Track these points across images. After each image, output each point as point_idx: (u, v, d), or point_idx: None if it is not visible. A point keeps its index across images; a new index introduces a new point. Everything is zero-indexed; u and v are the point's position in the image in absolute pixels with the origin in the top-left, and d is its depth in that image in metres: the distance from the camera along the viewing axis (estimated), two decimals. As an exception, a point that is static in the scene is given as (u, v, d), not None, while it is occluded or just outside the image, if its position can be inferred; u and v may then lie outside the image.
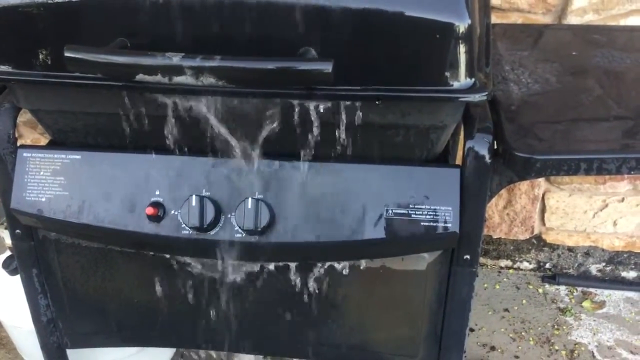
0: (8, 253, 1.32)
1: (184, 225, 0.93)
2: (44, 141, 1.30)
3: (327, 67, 0.74)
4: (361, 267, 1.01)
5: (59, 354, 1.21)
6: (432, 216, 0.92)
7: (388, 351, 1.12)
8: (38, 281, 1.11)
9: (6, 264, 1.31)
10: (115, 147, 0.97)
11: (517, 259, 1.92)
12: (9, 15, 0.82)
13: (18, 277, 1.14)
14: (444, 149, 0.98)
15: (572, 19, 1.53)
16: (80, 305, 1.14)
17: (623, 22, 1.53)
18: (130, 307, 1.13)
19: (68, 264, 1.09)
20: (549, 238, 1.86)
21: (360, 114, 0.85)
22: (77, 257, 1.08)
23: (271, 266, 1.01)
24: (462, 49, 0.79)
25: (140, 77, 0.76)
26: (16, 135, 0.99)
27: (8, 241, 1.23)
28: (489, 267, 1.94)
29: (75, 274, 1.10)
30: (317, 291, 1.03)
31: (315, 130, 0.87)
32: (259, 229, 0.92)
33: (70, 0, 0.80)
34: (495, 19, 1.49)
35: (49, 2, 0.80)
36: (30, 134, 1.79)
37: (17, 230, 1.05)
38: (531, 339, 1.72)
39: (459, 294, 1.02)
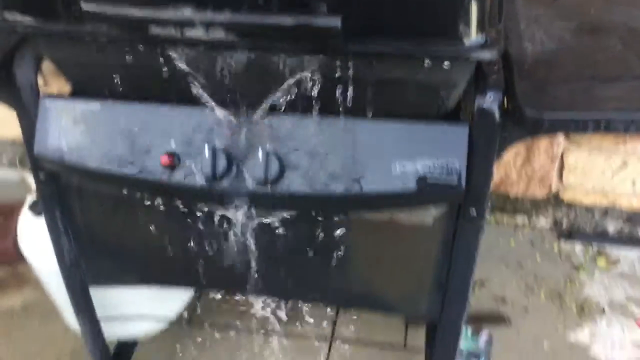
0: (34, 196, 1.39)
1: (197, 174, 0.96)
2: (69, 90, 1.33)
3: (336, 22, 0.75)
4: (369, 220, 1.03)
5: (82, 291, 1.27)
6: (439, 170, 0.93)
7: (395, 302, 1.16)
8: (61, 222, 1.16)
9: (33, 208, 1.37)
10: (134, 98, 0.99)
11: (533, 216, 1.92)
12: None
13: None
14: (456, 104, 0.98)
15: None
16: (101, 245, 1.19)
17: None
18: (147, 249, 1.17)
19: (88, 207, 1.13)
20: (567, 196, 1.85)
21: (369, 70, 0.86)
22: (96, 201, 1.12)
23: (280, 216, 1.04)
24: (473, 3, 0.77)
25: (152, 30, 0.78)
26: (39, 83, 1.02)
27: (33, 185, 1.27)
28: (505, 223, 1.95)
29: (95, 216, 1.15)
30: (325, 242, 1.06)
31: (325, 87, 0.89)
32: (270, 180, 0.94)
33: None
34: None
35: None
36: (57, 82, 1.82)
37: (41, 175, 1.10)
38: (542, 293, 1.74)
39: (464, 248, 1.04)
